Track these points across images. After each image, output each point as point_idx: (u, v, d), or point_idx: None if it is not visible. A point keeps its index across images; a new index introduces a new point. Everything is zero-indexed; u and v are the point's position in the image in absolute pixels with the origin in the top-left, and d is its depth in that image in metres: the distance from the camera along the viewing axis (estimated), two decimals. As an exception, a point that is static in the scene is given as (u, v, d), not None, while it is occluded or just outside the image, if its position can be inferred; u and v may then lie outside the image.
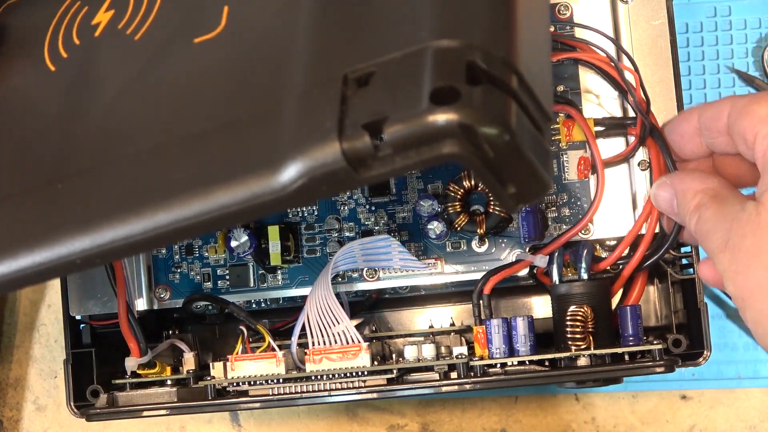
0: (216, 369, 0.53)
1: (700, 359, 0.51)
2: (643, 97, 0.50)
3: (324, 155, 0.29)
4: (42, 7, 0.42)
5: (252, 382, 0.52)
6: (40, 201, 0.36)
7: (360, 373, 0.51)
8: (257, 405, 0.53)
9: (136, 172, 0.35)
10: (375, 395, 0.51)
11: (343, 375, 0.51)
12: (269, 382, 0.52)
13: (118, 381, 0.55)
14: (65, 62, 0.40)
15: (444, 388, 0.51)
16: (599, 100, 0.52)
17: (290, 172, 0.30)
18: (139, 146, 0.35)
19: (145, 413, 0.54)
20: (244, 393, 0.53)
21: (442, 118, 0.27)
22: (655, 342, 0.49)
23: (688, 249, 0.52)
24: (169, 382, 0.55)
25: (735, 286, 0.40)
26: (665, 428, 0.62)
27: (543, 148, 0.31)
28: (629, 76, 0.50)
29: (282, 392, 0.52)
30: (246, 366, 0.52)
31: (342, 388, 0.51)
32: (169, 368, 0.56)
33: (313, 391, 0.52)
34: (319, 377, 0.51)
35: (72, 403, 0.56)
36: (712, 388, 0.62)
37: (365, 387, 0.51)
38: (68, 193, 0.36)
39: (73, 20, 0.41)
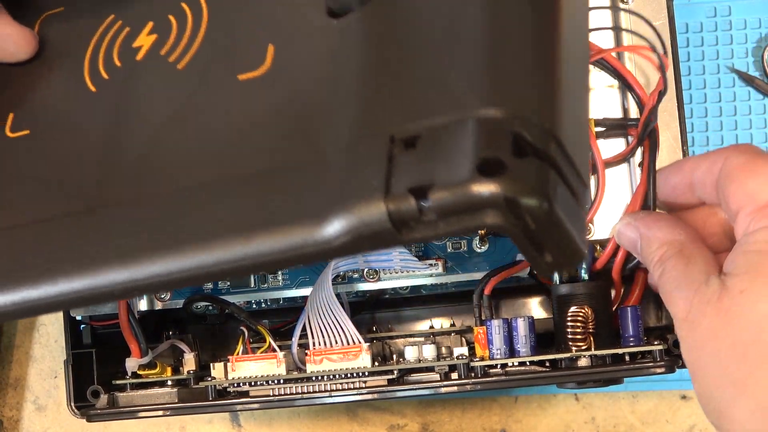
0: (216, 369, 0.53)
1: (701, 359, 0.51)
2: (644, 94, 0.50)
3: (369, 215, 0.29)
4: (82, 22, 0.41)
5: (252, 383, 0.52)
6: (79, 228, 0.36)
7: (360, 374, 0.51)
8: (257, 406, 0.53)
9: (178, 209, 0.34)
10: (375, 396, 0.51)
11: (343, 375, 0.51)
12: (270, 382, 0.52)
13: (118, 381, 0.55)
14: (106, 84, 0.39)
15: (444, 389, 0.51)
16: (599, 100, 0.52)
17: (335, 227, 0.30)
18: (181, 182, 0.35)
19: (146, 414, 0.54)
20: (245, 393, 0.53)
21: (487, 189, 0.28)
22: (655, 342, 0.49)
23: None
24: (169, 383, 0.55)
25: (689, 358, 0.40)
26: (665, 428, 0.62)
27: (580, 217, 0.31)
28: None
29: (282, 393, 0.52)
30: (246, 366, 0.52)
31: (342, 389, 0.51)
32: (169, 369, 0.56)
33: (314, 392, 0.52)
34: (319, 378, 0.51)
35: (72, 404, 0.56)
36: (712, 388, 0.62)
37: (366, 387, 0.51)
38: (109, 222, 0.35)
39: (114, 40, 0.40)
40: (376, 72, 0.32)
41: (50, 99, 0.40)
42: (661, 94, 0.49)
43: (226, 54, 0.37)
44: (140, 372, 0.55)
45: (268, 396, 0.52)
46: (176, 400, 0.54)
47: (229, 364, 0.52)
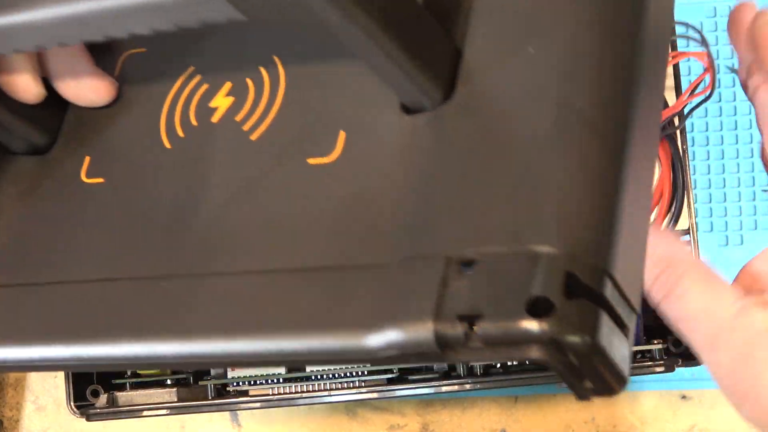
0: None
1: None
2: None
3: (417, 335, 0.30)
4: (163, 70, 0.40)
5: (252, 382, 0.52)
6: (142, 295, 0.35)
7: (360, 373, 0.51)
8: (257, 405, 0.53)
9: (241, 293, 0.34)
10: (375, 395, 0.51)
11: (343, 374, 0.51)
12: (269, 381, 0.52)
13: (118, 381, 0.55)
14: (181, 142, 0.38)
15: (444, 388, 0.51)
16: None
17: (382, 340, 0.31)
18: (241, 265, 0.35)
19: (145, 413, 0.54)
20: (245, 393, 0.53)
21: (535, 328, 0.28)
22: (655, 342, 0.49)
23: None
24: (169, 382, 0.55)
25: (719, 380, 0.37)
26: (665, 428, 0.62)
27: (625, 348, 0.31)
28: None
29: (282, 392, 0.52)
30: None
31: (342, 388, 0.51)
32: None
33: (313, 391, 0.52)
34: (319, 377, 0.51)
35: (72, 403, 0.56)
36: (712, 388, 0.62)
37: (365, 387, 0.51)
38: (172, 295, 0.35)
39: (192, 96, 0.39)
40: (440, 185, 0.33)
41: (126, 149, 0.39)
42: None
43: (299, 133, 0.37)
44: (140, 371, 0.55)
45: (268, 395, 0.52)
46: (176, 399, 0.54)
47: (228, 363, 0.53)
